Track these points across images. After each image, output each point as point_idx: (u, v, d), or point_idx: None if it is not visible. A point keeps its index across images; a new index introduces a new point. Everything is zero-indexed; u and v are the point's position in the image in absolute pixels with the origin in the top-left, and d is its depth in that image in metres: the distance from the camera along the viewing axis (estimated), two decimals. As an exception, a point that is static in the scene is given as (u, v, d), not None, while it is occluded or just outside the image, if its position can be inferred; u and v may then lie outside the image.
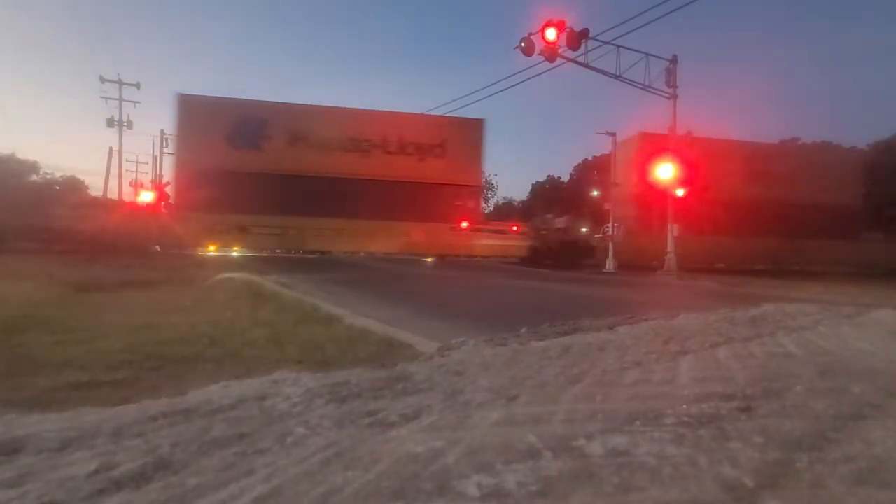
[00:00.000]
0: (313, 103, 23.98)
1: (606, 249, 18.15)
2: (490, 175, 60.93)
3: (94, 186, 31.34)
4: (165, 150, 27.76)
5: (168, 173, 24.73)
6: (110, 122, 29.52)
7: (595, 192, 22.84)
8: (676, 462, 1.29)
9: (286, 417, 1.71)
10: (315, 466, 1.28)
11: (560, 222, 23.33)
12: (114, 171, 29.34)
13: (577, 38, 13.07)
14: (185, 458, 1.35)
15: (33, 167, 29.99)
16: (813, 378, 2.14)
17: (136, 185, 26.58)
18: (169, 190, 22.73)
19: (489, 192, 61.23)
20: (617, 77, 14.41)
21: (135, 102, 30.08)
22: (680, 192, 14.46)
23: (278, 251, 21.42)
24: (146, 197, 23.06)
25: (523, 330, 3.71)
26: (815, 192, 21.64)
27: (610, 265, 17.42)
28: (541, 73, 14.84)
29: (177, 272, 9.29)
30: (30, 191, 20.07)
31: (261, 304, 5.32)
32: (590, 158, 49.95)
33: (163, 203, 21.88)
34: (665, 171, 14.12)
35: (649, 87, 14.85)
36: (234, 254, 19.92)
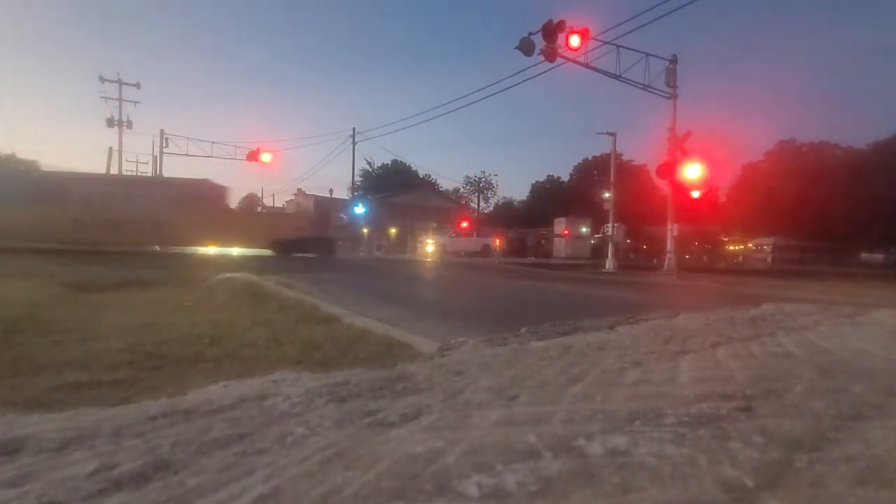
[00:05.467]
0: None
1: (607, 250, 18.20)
2: (490, 175, 61.22)
3: (94, 186, 31.35)
4: (165, 149, 27.81)
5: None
6: (110, 122, 29.58)
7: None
8: (676, 462, 1.29)
9: (286, 417, 1.70)
10: (315, 466, 1.28)
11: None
12: (114, 170, 29.35)
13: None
14: (185, 458, 1.35)
15: (33, 167, 30.02)
16: (813, 378, 2.14)
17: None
18: None
19: (489, 191, 61.45)
20: (617, 77, 14.42)
21: (135, 102, 30.15)
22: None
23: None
24: None
25: (523, 330, 3.72)
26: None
27: (610, 265, 17.42)
28: (541, 73, 14.85)
29: (177, 271, 9.30)
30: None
31: (260, 303, 5.32)
32: (590, 158, 50.09)
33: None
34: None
35: (649, 87, 14.86)
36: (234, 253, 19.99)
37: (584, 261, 24.38)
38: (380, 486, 1.16)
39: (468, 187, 61.51)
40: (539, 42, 12.94)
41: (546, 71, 14.55)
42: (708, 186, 14.55)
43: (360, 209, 31.02)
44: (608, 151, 23.54)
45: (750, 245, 36.25)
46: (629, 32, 14.44)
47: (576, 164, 52.79)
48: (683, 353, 2.73)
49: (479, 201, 61.20)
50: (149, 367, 2.86)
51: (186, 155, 27.88)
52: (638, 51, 14.64)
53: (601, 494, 1.13)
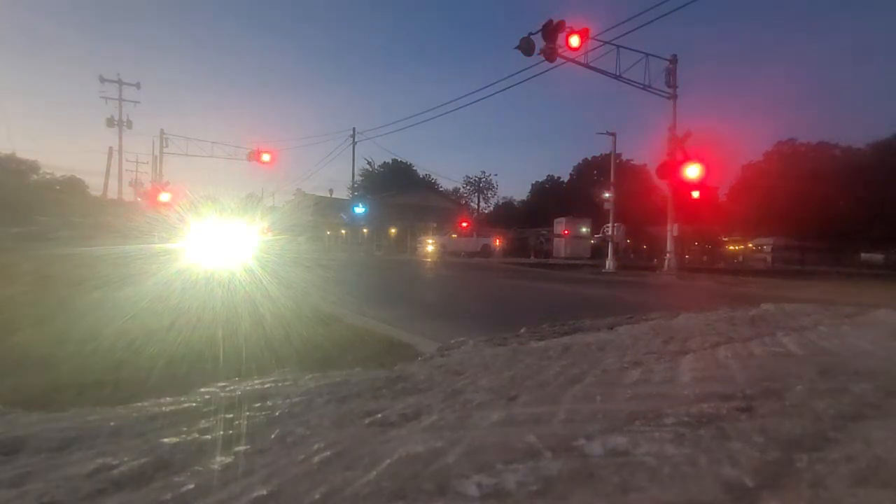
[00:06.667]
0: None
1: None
2: (490, 175, 61.25)
3: (94, 186, 31.53)
4: (165, 149, 27.84)
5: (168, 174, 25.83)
6: (110, 122, 29.66)
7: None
8: (676, 462, 1.29)
9: (286, 417, 1.70)
10: (315, 466, 1.28)
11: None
12: (114, 170, 29.40)
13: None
14: (185, 458, 1.35)
15: (33, 167, 30.12)
16: (813, 378, 2.14)
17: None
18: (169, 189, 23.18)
19: (489, 191, 61.47)
20: (617, 77, 14.42)
21: (135, 102, 30.22)
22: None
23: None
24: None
25: (523, 330, 3.72)
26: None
27: (610, 265, 17.42)
28: (541, 73, 14.85)
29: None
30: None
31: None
32: (589, 158, 50.15)
33: None
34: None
35: (649, 87, 14.87)
36: None
37: (583, 261, 24.39)
38: (380, 486, 1.16)
39: (468, 187, 61.58)
40: (539, 42, 12.95)
41: (546, 71, 14.57)
42: (706, 186, 14.50)
43: (360, 209, 31.03)
44: (608, 151, 23.57)
45: (750, 245, 36.22)
46: (629, 32, 14.47)
47: (576, 164, 52.88)
48: (683, 353, 2.73)
49: (479, 201, 61.27)
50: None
51: (186, 155, 27.92)
52: (638, 51, 14.65)
53: (601, 494, 1.13)
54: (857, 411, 1.70)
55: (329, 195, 44.25)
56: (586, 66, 14.03)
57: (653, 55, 14.71)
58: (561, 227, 30.92)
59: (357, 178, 43.78)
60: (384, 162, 57.14)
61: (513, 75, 16.60)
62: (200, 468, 1.29)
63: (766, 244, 34.91)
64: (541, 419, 1.62)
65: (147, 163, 32.23)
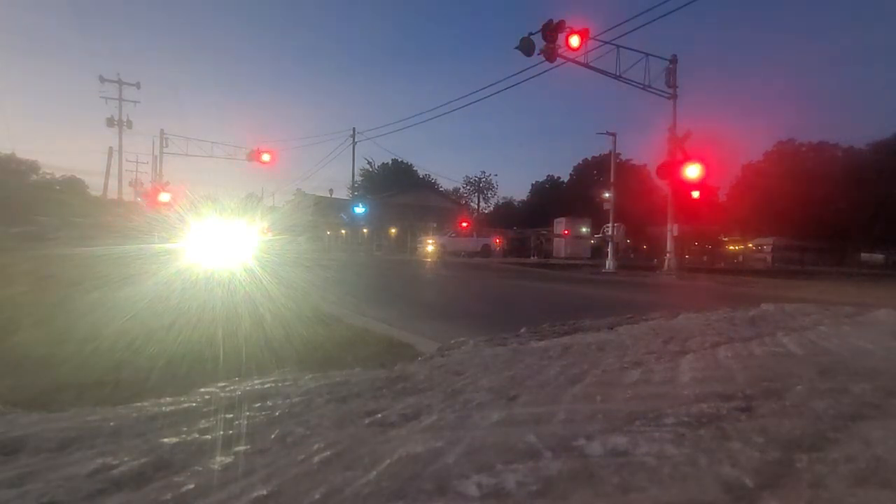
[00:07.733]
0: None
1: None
2: (490, 175, 61.28)
3: (94, 186, 31.56)
4: (165, 149, 27.85)
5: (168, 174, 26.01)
6: (110, 122, 29.68)
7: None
8: (676, 462, 1.29)
9: (286, 417, 1.70)
10: (315, 466, 1.28)
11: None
12: (114, 170, 29.43)
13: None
14: (185, 458, 1.35)
15: (33, 167, 30.12)
16: (813, 378, 2.14)
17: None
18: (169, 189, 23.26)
19: (489, 191, 61.49)
20: (617, 77, 14.43)
21: (135, 102, 30.25)
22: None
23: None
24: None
25: (523, 330, 3.72)
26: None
27: (610, 265, 17.42)
28: (541, 73, 14.85)
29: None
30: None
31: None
32: (589, 158, 50.20)
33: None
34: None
35: (649, 87, 14.87)
36: None
37: (583, 261, 24.40)
38: (380, 486, 1.16)
39: (468, 187, 61.61)
40: (539, 42, 12.96)
41: (546, 71, 14.57)
42: (706, 186, 14.49)
43: (360, 209, 31.02)
44: (608, 151, 23.59)
45: (750, 245, 36.21)
46: (629, 32, 14.48)
47: (576, 164, 52.98)
48: (683, 353, 2.73)
49: (479, 201, 61.30)
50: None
51: (186, 155, 27.93)
52: (638, 51, 14.66)
53: (601, 494, 1.13)
54: (857, 411, 1.70)
55: (329, 195, 44.29)
56: (586, 66, 14.04)
57: (653, 55, 14.73)
58: (561, 227, 30.93)
59: (357, 178, 43.86)
60: (384, 162, 57.24)
61: (513, 76, 16.61)
62: (200, 468, 1.29)
63: (766, 244, 34.90)
64: (541, 419, 1.62)
65: (147, 163, 32.32)
